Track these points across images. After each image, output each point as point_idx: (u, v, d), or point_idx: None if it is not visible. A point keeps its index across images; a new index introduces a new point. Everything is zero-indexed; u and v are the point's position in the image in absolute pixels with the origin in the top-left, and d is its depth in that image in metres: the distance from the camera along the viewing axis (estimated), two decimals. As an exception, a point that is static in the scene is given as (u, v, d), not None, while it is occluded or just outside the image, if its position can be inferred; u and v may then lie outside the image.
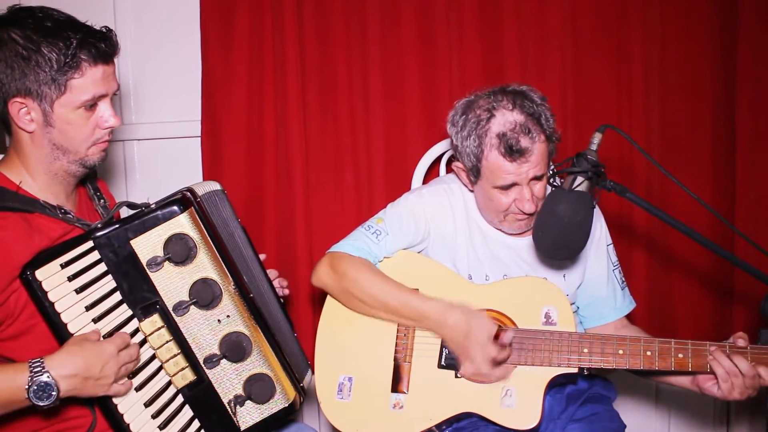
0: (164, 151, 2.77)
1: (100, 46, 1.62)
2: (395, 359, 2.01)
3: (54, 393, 1.47)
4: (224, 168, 2.60)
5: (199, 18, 2.57)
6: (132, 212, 1.68)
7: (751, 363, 1.79)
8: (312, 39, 2.57)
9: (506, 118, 1.91)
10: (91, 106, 1.64)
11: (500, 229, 2.08)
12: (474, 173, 1.99)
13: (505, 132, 1.90)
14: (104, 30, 1.66)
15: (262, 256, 2.05)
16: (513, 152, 1.88)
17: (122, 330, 1.63)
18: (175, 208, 1.63)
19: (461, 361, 1.94)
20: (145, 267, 1.63)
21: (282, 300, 2.07)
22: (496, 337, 1.91)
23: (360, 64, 2.58)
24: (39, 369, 1.47)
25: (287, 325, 2.00)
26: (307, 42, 2.56)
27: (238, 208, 2.54)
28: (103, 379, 1.55)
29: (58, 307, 1.57)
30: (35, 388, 1.46)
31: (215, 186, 1.86)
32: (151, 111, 2.75)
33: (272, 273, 2.07)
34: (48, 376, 1.47)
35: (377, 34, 2.56)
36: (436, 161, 2.52)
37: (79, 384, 1.52)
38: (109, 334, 1.61)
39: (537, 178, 1.94)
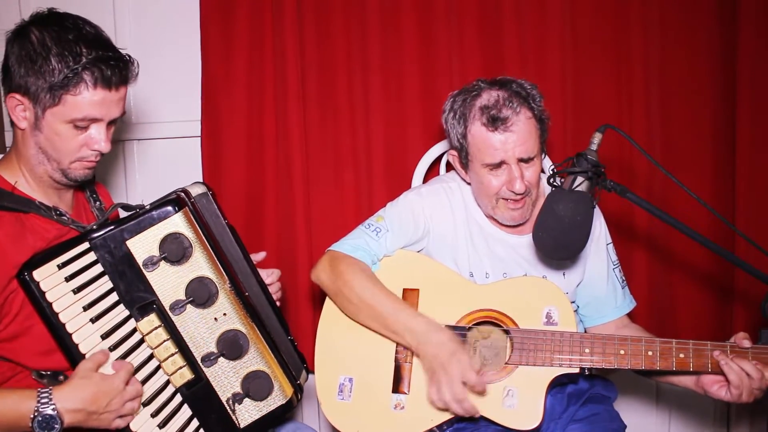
0: (164, 151, 2.77)
1: (107, 71, 1.61)
2: (396, 360, 2.01)
3: (57, 426, 1.50)
4: (224, 168, 2.61)
5: (199, 18, 2.57)
6: (127, 213, 1.68)
7: (754, 363, 1.79)
8: (312, 39, 2.57)
9: (490, 95, 1.96)
10: (84, 126, 1.64)
11: (494, 218, 2.08)
12: (464, 155, 2.01)
13: (488, 105, 1.94)
14: (125, 57, 1.66)
15: (261, 255, 2.04)
16: (495, 121, 1.91)
17: (121, 328, 1.65)
18: (170, 208, 1.64)
19: (435, 379, 1.87)
20: (141, 267, 1.63)
21: (277, 303, 2.05)
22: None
23: (360, 64, 2.58)
24: (46, 400, 1.50)
25: (280, 327, 1.99)
26: (307, 42, 2.56)
27: (238, 207, 2.56)
28: (106, 414, 1.57)
29: (56, 307, 1.58)
30: (40, 419, 1.49)
31: (201, 189, 1.86)
32: (151, 111, 2.75)
33: (274, 274, 2.05)
34: (53, 409, 1.50)
35: (377, 34, 2.56)
36: (436, 161, 2.52)
37: (82, 418, 1.55)
38: (107, 334, 1.62)
39: (525, 161, 1.94)
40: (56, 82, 1.57)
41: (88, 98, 1.60)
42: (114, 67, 1.62)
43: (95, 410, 1.55)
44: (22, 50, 1.59)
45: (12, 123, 1.68)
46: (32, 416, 1.48)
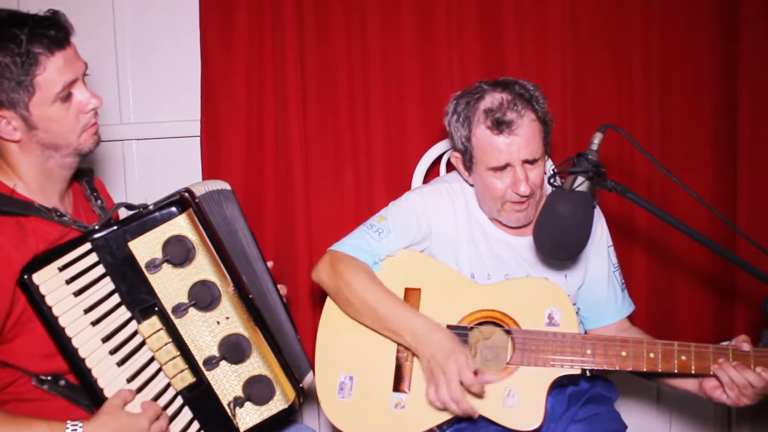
0: (163, 151, 2.76)
1: (51, 33, 1.57)
2: (397, 358, 2.01)
3: None
4: (224, 168, 2.60)
5: (198, 17, 2.56)
6: (130, 213, 1.66)
7: (755, 367, 1.78)
8: (312, 39, 2.56)
9: (494, 97, 1.95)
10: (67, 96, 1.62)
11: (500, 221, 2.07)
12: (468, 158, 2.01)
13: (492, 108, 1.93)
14: (50, 14, 1.61)
15: (269, 265, 2.05)
16: (499, 124, 1.90)
17: (122, 331, 1.63)
18: (174, 209, 1.63)
19: (433, 379, 1.87)
20: (144, 269, 1.62)
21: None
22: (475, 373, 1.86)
23: (360, 64, 2.57)
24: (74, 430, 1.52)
25: (290, 327, 1.99)
26: (307, 42, 2.55)
27: (238, 208, 2.55)
28: None
29: (55, 311, 1.56)
30: None
31: (222, 185, 1.85)
32: (150, 111, 2.75)
33: (283, 289, 2.06)
34: None
35: (377, 34, 2.55)
36: (437, 161, 2.52)
37: None
38: (108, 337, 1.61)
39: (530, 162, 1.94)
40: (17, 73, 1.53)
41: (55, 67, 1.57)
42: (53, 27, 1.58)
43: None
44: None
45: None
46: None
